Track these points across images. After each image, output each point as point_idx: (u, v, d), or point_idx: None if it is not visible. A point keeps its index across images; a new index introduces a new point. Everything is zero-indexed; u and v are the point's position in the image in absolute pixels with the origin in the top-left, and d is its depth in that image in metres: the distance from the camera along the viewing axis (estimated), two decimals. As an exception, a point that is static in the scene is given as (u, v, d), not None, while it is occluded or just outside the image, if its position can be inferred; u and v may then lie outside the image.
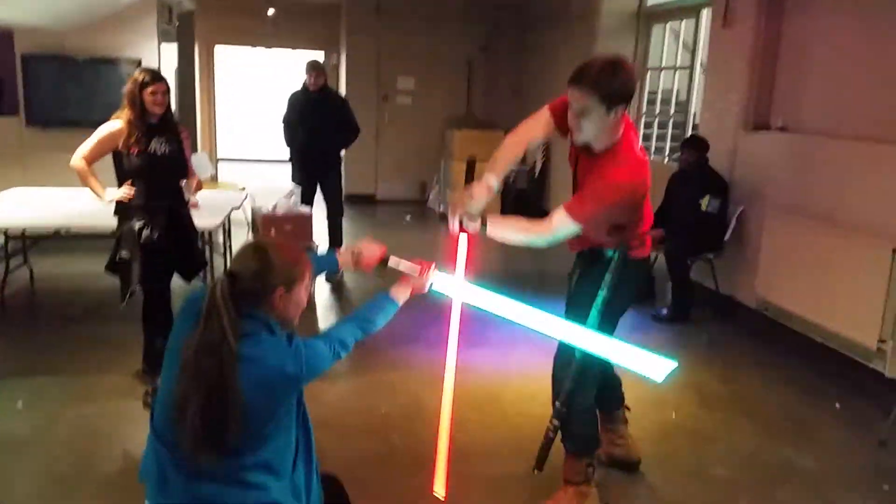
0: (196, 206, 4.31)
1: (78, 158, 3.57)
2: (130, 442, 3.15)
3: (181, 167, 3.81)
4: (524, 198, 8.69)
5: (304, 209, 5.60)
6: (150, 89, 3.55)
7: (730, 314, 5.22)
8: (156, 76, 3.64)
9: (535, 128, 2.49)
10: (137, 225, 3.55)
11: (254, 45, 11.18)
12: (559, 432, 2.66)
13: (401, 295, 2.13)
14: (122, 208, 3.64)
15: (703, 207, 5.06)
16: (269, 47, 11.20)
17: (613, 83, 2.12)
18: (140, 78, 3.59)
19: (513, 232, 2.41)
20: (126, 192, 3.57)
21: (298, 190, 5.81)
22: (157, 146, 3.59)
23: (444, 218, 8.94)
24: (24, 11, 6.26)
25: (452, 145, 8.88)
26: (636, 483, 3.03)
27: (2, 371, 3.84)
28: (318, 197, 6.10)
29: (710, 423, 3.60)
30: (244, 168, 11.97)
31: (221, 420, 1.56)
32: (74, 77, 6.90)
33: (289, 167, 6.31)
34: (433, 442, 3.29)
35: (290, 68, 12.31)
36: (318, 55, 10.48)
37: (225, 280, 1.65)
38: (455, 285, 2.32)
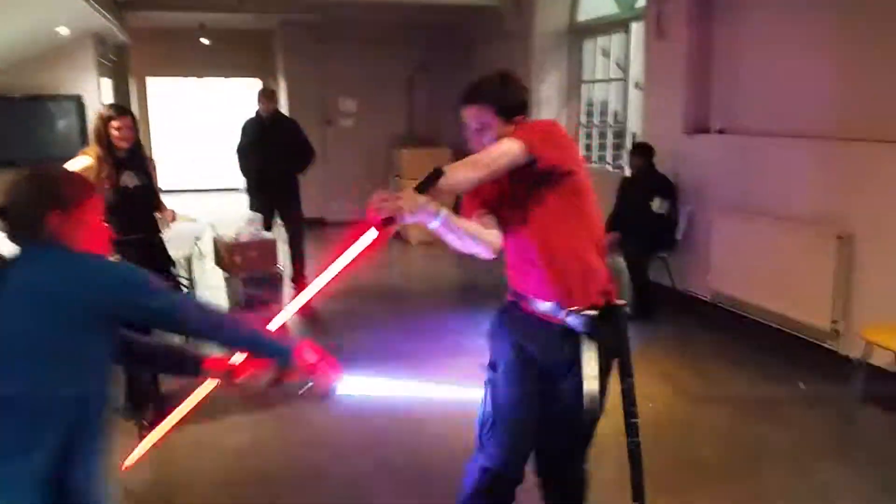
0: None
1: None
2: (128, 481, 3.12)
3: (152, 199, 3.81)
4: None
5: (268, 235, 5.60)
6: (115, 124, 3.55)
7: (688, 309, 5.49)
8: (120, 111, 3.66)
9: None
10: (112, 259, 3.51)
11: (186, 75, 11.05)
12: None
13: (294, 357, 1.69)
14: (96, 244, 3.59)
15: (655, 208, 5.33)
16: (202, 77, 11.09)
17: (506, 94, 2.07)
18: (104, 113, 3.60)
19: (464, 168, 1.91)
20: None
21: (258, 217, 5.80)
22: (128, 180, 3.60)
23: (396, 235, 9.02)
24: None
25: (401, 164, 8.99)
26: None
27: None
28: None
29: (687, 410, 3.81)
30: (188, 199, 11.78)
31: None
32: (12, 116, 6.72)
33: (237, 195, 6.28)
34: (431, 456, 3.38)
35: (225, 97, 12.24)
36: (254, 83, 10.47)
37: None
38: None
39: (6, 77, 6.58)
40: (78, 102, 6.74)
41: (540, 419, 2.18)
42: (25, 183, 1.61)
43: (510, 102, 2.06)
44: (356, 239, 1.81)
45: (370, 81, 9.79)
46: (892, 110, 4.04)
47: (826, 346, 4.33)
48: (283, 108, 9.88)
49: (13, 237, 1.59)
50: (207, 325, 1.68)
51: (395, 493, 3.07)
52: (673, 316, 5.40)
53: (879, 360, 3.74)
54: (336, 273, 1.85)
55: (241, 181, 6.27)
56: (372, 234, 1.78)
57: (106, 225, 1.74)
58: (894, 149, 3.97)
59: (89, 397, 1.57)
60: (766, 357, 4.50)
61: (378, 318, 5.67)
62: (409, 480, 3.17)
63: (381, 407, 3.88)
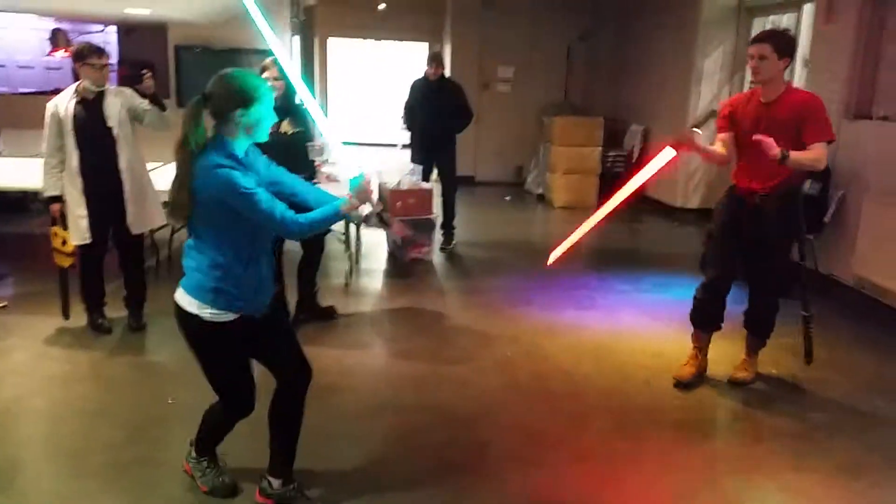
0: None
1: None
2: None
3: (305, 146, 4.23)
4: (621, 182, 9.09)
5: (426, 185, 6.19)
6: (265, 74, 3.95)
7: (828, 292, 5.48)
8: (270, 59, 4.02)
9: (724, 137, 3.60)
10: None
11: (365, 37, 11.86)
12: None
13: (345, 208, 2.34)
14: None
15: (805, 189, 5.34)
16: (379, 39, 11.86)
17: (784, 41, 3.34)
18: (262, 63, 4.09)
19: (804, 158, 3.27)
20: None
21: (419, 168, 6.39)
22: (286, 127, 4.05)
23: (540, 198, 9.40)
24: (176, 9, 7.10)
25: (552, 131, 9.29)
26: (739, 418, 3.45)
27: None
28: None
29: (807, 379, 3.97)
30: (356, 151, 12.71)
31: (181, 196, 2.26)
32: (216, 66, 7.67)
33: (398, 151, 6.88)
34: (552, 377, 3.84)
35: (395, 59, 12.99)
36: (423, 46, 11.11)
37: (198, 98, 2.26)
38: None
39: (210, 31, 7.55)
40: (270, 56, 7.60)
41: None
42: (222, 84, 2.29)
43: (783, 47, 3.30)
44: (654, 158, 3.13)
45: (529, 50, 10.13)
46: None
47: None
48: (447, 71, 10.47)
49: (212, 113, 2.28)
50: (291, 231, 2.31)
51: (518, 406, 3.57)
52: (811, 297, 5.41)
53: None
54: (637, 184, 3.29)
55: (404, 136, 6.87)
56: (669, 152, 3.12)
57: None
58: None
59: (223, 260, 2.30)
60: (901, 342, 4.50)
61: (517, 266, 6.19)
62: (531, 394, 3.67)
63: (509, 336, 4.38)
